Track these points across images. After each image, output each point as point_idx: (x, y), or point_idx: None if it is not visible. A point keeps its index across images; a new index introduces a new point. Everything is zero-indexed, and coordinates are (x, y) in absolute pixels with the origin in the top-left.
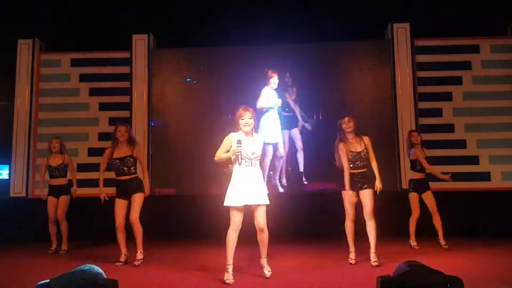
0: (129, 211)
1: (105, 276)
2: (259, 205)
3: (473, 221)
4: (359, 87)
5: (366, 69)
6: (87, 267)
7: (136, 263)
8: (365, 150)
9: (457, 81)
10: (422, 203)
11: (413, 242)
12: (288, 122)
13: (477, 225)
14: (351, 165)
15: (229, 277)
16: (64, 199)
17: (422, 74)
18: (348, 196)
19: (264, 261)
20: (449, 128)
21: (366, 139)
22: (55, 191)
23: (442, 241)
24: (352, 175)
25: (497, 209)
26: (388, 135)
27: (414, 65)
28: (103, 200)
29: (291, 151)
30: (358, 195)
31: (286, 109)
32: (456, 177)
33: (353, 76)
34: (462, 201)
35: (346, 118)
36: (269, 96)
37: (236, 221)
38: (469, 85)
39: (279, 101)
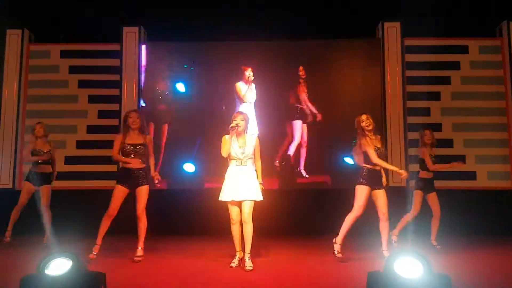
0: (135, 203)
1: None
2: (246, 200)
3: (458, 219)
4: (349, 85)
5: (356, 67)
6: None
7: (136, 259)
8: (382, 148)
9: (446, 81)
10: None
11: (394, 237)
12: (302, 114)
13: (462, 224)
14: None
15: (234, 261)
16: (47, 189)
17: (411, 73)
18: (363, 192)
19: (246, 256)
20: (437, 127)
21: (382, 137)
22: (38, 178)
23: (434, 242)
24: (372, 171)
25: (482, 208)
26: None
27: (404, 64)
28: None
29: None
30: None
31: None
32: (442, 176)
33: (343, 74)
34: (447, 200)
35: (364, 116)
36: (243, 90)
37: (233, 215)
38: (457, 85)
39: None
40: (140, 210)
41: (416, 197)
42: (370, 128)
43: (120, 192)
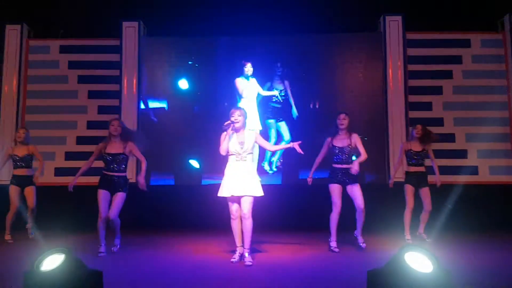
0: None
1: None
2: (245, 196)
3: (460, 214)
4: (350, 79)
5: (358, 62)
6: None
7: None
8: (349, 147)
9: (448, 75)
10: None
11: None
12: (276, 113)
13: (463, 218)
14: (335, 159)
15: (234, 257)
16: (31, 189)
17: (413, 67)
18: (333, 189)
19: (246, 252)
20: (439, 121)
21: (354, 136)
22: (20, 181)
23: (424, 235)
24: (336, 169)
25: (484, 203)
26: (378, 128)
27: (406, 58)
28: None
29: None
30: (345, 190)
31: (274, 100)
32: (444, 170)
33: (345, 68)
34: (449, 195)
35: (342, 115)
36: (242, 85)
37: (232, 210)
38: (459, 79)
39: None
40: (113, 215)
41: (407, 191)
42: (343, 127)
43: (104, 196)
